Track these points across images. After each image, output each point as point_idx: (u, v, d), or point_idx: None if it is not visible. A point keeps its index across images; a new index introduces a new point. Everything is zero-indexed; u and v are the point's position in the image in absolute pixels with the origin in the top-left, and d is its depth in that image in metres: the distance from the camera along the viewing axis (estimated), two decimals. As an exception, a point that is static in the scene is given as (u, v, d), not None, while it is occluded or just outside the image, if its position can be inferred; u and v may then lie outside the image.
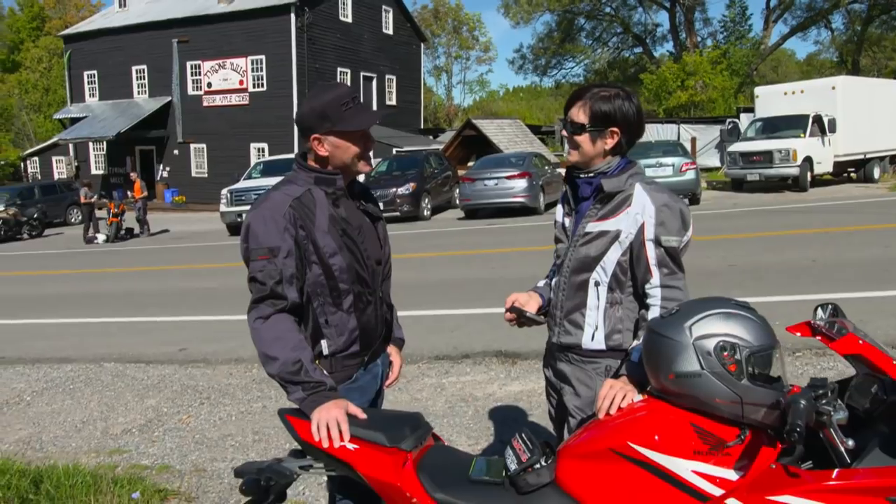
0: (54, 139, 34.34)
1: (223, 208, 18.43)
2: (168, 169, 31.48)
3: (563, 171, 17.48)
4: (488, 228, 15.15)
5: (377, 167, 21.46)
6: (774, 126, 18.43)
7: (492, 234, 14.14)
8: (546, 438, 2.01)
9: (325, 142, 2.15)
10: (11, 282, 13.18)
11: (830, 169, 18.65)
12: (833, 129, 17.90)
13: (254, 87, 29.50)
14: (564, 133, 2.18)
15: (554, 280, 2.28)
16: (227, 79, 29.90)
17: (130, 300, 9.90)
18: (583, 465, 1.76)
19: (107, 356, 6.80)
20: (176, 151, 31.17)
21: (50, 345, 7.46)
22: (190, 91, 30.66)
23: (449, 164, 22.22)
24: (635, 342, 2.05)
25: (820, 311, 1.94)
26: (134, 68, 31.84)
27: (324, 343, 2.17)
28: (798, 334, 1.93)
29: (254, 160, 27.99)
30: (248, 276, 2.09)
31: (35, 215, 22.05)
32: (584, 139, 2.12)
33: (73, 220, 24.80)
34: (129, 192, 20.13)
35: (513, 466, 1.80)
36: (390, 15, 34.61)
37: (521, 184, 16.53)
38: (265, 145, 29.16)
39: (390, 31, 34.57)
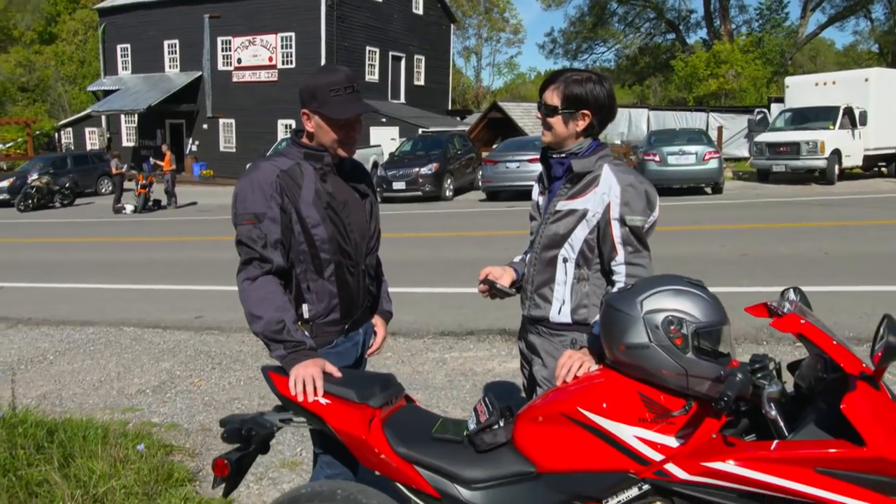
0: (87, 111, 34.94)
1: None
2: (197, 143, 31.89)
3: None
4: (508, 210, 15.21)
5: (401, 146, 21.59)
6: (804, 117, 18.13)
7: (511, 217, 14.20)
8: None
9: (312, 119, 2.28)
10: (42, 247, 13.57)
11: (860, 162, 18.33)
12: (864, 122, 17.57)
13: (283, 63, 29.68)
14: (538, 115, 2.28)
15: (527, 255, 2.39)
16: (257, 55, 30.13)
17: (153, 269, 10.19)
18: (536, 427, 1.88)
19: (126, 321, 7.06)
20: (205, 126, 31.55)
21: (74, 308, 7.75)
22: (220, 66, 30.96)
23: (473, 145, 22.25)
24: (598, 317, 2.16)
25: (791, 294, 2.01)
26: (166, 42, 32.20)
27: (305, 307, 2.31)
28: (756, 315, 2.01)
29: (280, 136, 28.28)
30: (235, 239, 2.23)
31: (67, 185, 22.50)
32: (556, 121, 2.22)
33: (103, 190, 25.27)
34: (159, 164, 20.45)
35: (472, 426, 1.93)
36: (421, -6, 34.53)
37: (543, 167, 16.52)
38: (293, 122, 29.36)
39: (420, 11, 34.47)
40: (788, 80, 20.71)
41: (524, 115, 28.59)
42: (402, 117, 28.30)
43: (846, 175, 18.09)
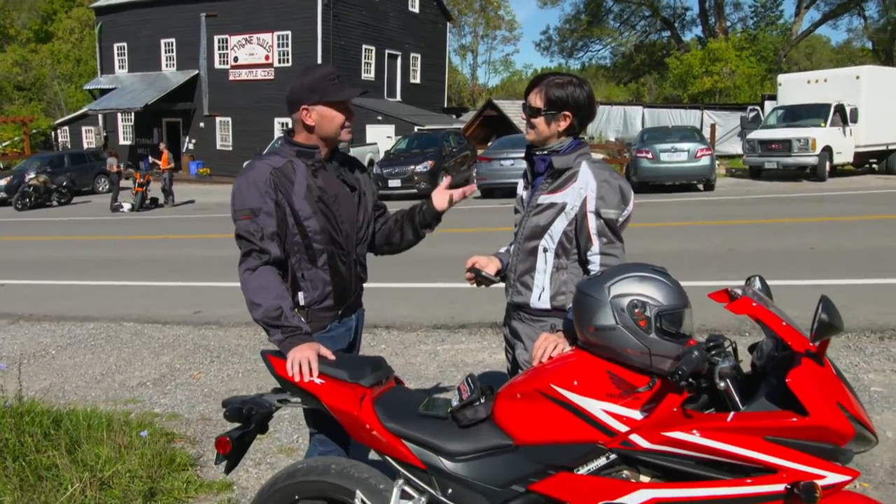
0: (84, 109, 35.01)
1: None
2: (194, 141, 31.99)
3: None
4: (503, 207, 15.36)
5: (397, 144, 21.74)
6: (795, 114, 18.32)
7: (506, 214, 14.27)
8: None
9: (312, 112, 2.45)
10: (41, 246, 13.69)
11: (851, 159, 18.52)
12: (855, 120, 17.74)
13: (279, 62, 29.79)
14: (523, 116, 2.45)
15: (512, 246, 2.56)
16: (254, 53, 30.24)
17: (151, 266, 10.33)
18: (513, 403, 2.04)
19: (126, 316, 7.21)
20: (202, 124, 31.65)
21: (75, 304, 7.89)
22: (217, 65, 31.06)
23: (468, 143, 22.40)
24: None
25: (757, 282, 2.16)
26: (163, 41, 32.29)
27: (301, 294, 2.48)
28: (718, 301, 2.17)
29: (277, 134, 28.39)
30: (234, 233, 2.40)
31: (64, 183, 22.59)
32: (539, 121, 2.38)
33: (100, 188, 25.37)
34: (157, 162, 20.55)
35: (455, 403, 2.09)
36: (417, -7, 34.65)
37: (537, 165, 16.69)
38: (289, 120, 29.39)
39: (416, 10, 34.60)
40: (781, 77, 20.89)
41: (519, 113, 28.63)
42: (398, 115, 28.44)
43: (837, 172, 18.28)
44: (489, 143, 23.11)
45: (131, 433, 3.72)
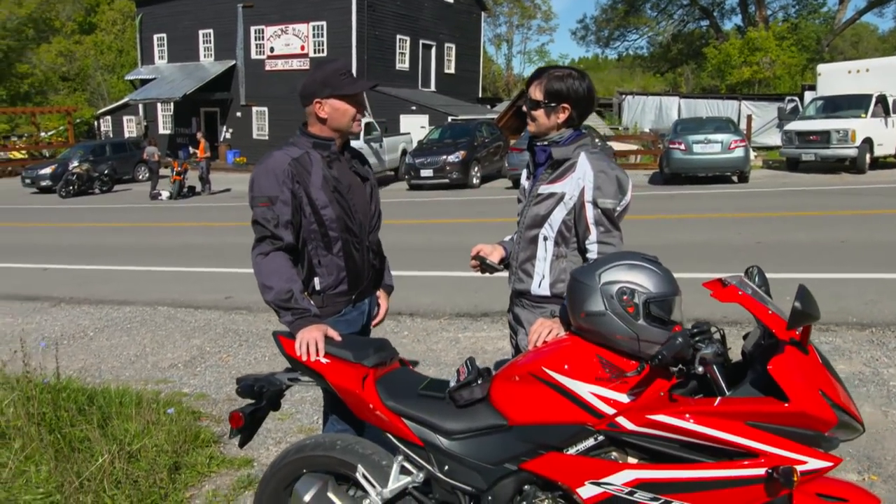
0: (125, 99, 35.78)
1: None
2: (231, 130, 32.49)
3: (613, 144, 17.37)
4: (532, 199, 15.37)
5: (430, 134, 21.84)
6: (835, 105, 17.91)
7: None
8: None
9: (325, 105, 2.57)
10: (83, 232, 14.14)
11: (893, 151, 18.05)
12: (898, 110, 17.31)
13: (315, 52, 30.02)
14: (524, 108, 2.53)
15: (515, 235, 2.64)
16: (289, 44, 30.54)
17: (187, 252, 10.63)
18: (507, 385, 2.14)
19: (161, 300, 7.46)
20: (239, 114, 32.11)
21: (113, 289, 8.19)
22: (253, 55, 31.45)
23: (501, 133, 22.39)
24: None
25: (756, 272, 2.22)
26: (201, 32, 32.78)
27: (316, 280, 2.61)
28: (710, 289, 2.23)
29: (312, 124, 28.62)
30: (251, 219, 2.53)
31: (105, 171, 23.18)
32: (539, 113, 2.46)
33: (140, 177, 25.96)
34: (193, 151, 20.98)
35: (452, 384, 2.19)
36: (452, -18, 34.59)
37: (567, 155, 16.65)
38: (324, 111, 29.73)
39: (451, 0, 34.54)
40: (821, 67, 20.44)
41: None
42: (431, 105, 28.50)
43: (879, 164, 17.85)
44: (522, 134, 23.09)
45: (159, 410, 3.90)
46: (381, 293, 2.92)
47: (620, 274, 2.03)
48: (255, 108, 31.88)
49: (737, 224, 10.18)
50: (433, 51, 33.54)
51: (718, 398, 1.91)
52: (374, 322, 2.89)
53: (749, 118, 22.08)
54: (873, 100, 17.22)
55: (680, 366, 1.91)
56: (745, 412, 1.85)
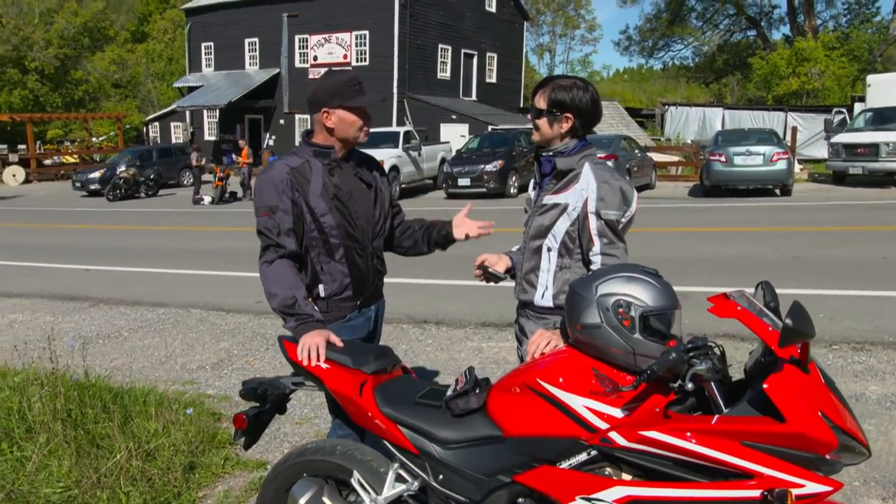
0: (173, 106, 36.73)
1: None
2: (274, 137, 33.05)
3: (654, 155, 17.16)
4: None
5: (468, 143, 21.89)
6: (884, 117, 17.40)
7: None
8: None
9: (332, 115, 2.60)
10: (127, 234, 14.54)
11: (945, 165, 17.45)
12: (951, 123, 16.73)
13: (357, 61, 30.39)
14: (529, 116, 2.52)
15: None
16: (332, 53, 30.98)
17: (223, 256, 10.83)
18: (503, 396, 2.13)
19: (194, 303, 7.62)
20: (282, 121, 32.65)
21: (149, 290, 8.40)
22: (297, 64, 31.99)
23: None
24: None
25: (762, 289, 2.17)
26: (247, 41, 33.50)
27: (321, 286, 2.64)
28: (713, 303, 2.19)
29: (352, 132, 28.94)
30: (256, 228, 2.58)
31: (151, 176, 23.85)
32: (542, 122, 2.46)
33: (185, 182, 26.59)
34: (236, 158, 21.43)
35: (449, 393, 2.19)
36: (494, -8, 34.68)
37: (607, 166, 16.51)
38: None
39: (493, 9, 34.61)
40: (870, 78, 19.92)
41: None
42: (472, 114, 28.56)
43: (930, 179, 17.27)
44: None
45: (179, 410, 3.98)
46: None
47: (617, 286, 2.00)
48: (297, 116, 32.36)
49: (775, 238, 9.95)
50: (475, 60, 33.64)
51: (715, 416, 1.87)
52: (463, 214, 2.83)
53: (794, 130, 21.58)
54: (925, 112, 16.70)
55: (679, 382, 1.88)
56: (740, 431, 1.81)
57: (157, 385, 4.97)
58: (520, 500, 2.08)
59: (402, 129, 21.92)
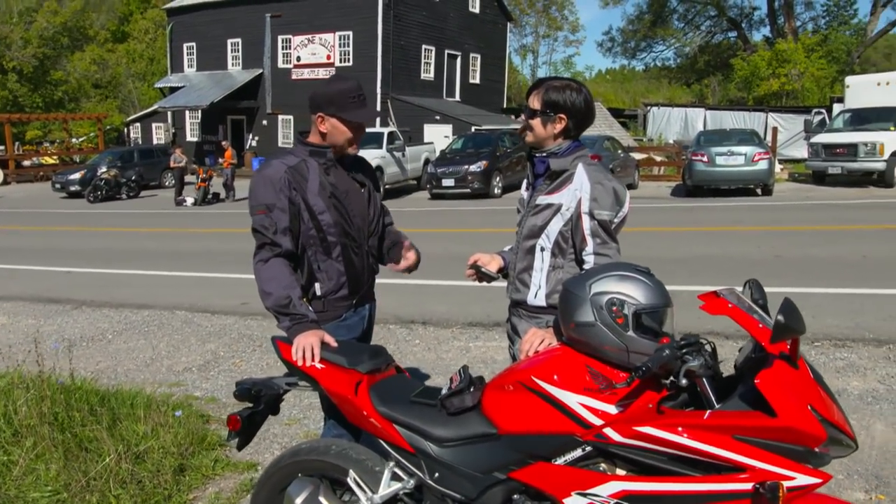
0: (154, 107, 36.45)
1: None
2: (257, 138, 32.89)
3: (636, 155, 17.31)
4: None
5: (452, 144, 21.91)
6: (863, 118, 17.66)
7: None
8: None
9: (326, 121, 2.61)
10: (108, 236, 14.40)
11: (923, 165, 17.73)
12: (928, 123, 16.99)
13: (340, 61, 30.33)
14: (522, 117, 2.55)
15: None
16: (316, 53, 30.89)
17: (206, 257, 10.77)
18: (498, 393, 2.15)
19: (179, 305, 7.57)
20: (265, 122, 32.51)
21: (133, 292, 8.33)
22: (280, 64, 31.86)
23: (524, 143, 22.38)
24: None
25: (750, 287, 2.20)
26: (229, 41, 33.30)
27: (317, 285, 2.65)
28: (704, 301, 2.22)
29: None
30: (251, 226, 2.58)
31: (133, 177, 23.61)
32: (536, 123, 2.48)
33: (167, 183, 26.36)
34: (219, 159, 21.30)
35: (444, 392, 2.21)
36: (477, -7, 34.75)
37: (589, 166, 16.61)
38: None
39: (476, 10, 34.69)
40: (849, 79, 20.19)
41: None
42: (455, 115, 28.60)
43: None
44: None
45: (168, 413, 3.96)
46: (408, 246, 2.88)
47: (611, 285, 2.03)
48: (280, 117, 32.25)
49: (757, 237, 10.07)
50: (458, 61, 33.69)
51: (707, 411, 1.90)
52: (402, 265, 2.86)
53: (774, 130, 21.85)
54: (902, 112, 16.95)
55: (672, 378, 1.91)
56: (732, 426, 1.84)
57: (143, 387, 4.93)
58: (515, 496, 2.10)
59: (385, 130, 21.89)
